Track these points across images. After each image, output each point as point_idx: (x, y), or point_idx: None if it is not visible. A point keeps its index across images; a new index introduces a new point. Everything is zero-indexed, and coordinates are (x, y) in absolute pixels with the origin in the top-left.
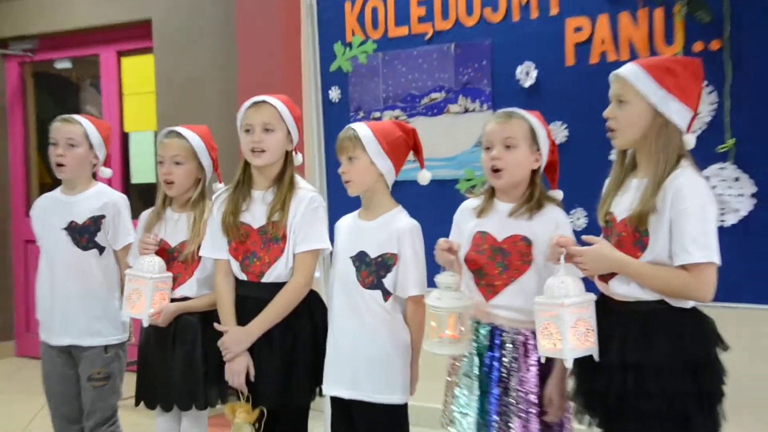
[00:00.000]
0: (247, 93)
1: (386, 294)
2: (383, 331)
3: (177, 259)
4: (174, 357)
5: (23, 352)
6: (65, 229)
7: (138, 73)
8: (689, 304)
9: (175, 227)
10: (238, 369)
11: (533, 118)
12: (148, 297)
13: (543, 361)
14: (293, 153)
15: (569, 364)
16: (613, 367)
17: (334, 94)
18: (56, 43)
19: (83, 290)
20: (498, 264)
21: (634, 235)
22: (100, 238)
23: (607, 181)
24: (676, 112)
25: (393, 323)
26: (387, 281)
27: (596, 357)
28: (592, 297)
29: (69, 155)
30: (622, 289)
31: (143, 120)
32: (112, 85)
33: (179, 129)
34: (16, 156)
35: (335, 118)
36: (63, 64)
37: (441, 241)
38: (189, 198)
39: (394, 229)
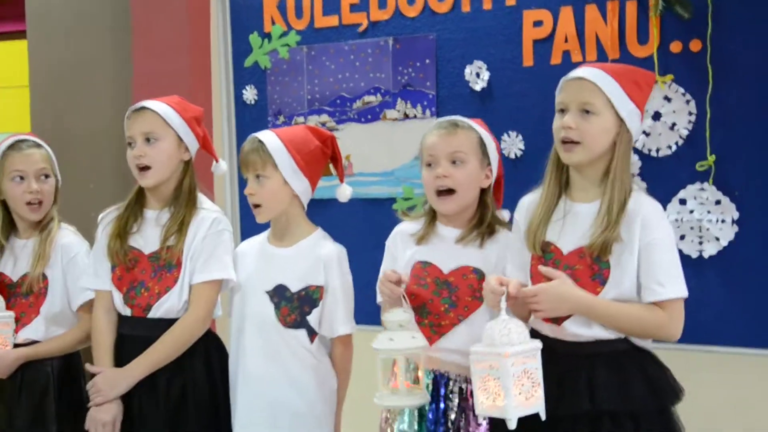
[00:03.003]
0: (144, 91)
1: (311, 334)
2: (310, 379)
3: (20, 295)
4: (19, 413)
5: None
6: None
7: (7, 63)
8: (649, 344)
9: (19, 257)
10: (104, 419)
11: (481, 128)
12: None
13: (482, 421)
14: (192, 163)
15: (512, 425)
16: (580, 419)
17: (250, 94)
18: None
19: None
20: (444, 300)
21: (593, 268)
22: None
23: (529, 201)
24: (636, 130)
25: (319, 368)
26: (312, 318)
27: (543, 415)
28: (539, 345)
29: None
30: (581, 330)
31: (14, 119)
32: None
33: (34, 138)
34: None
35: (250, 122)
36: None
37: (389, 271)
38: (42, 218)
39: (319, 257)
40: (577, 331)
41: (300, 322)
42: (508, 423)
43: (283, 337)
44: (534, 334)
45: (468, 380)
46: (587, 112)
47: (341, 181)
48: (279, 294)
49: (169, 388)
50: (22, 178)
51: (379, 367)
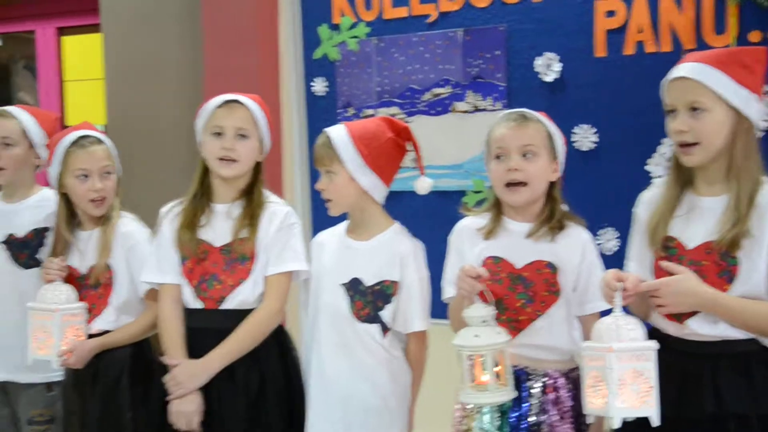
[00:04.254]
0: (215, 83)
1: (384, 329)
2: (383, 373)
3: (90, 287)
4: (94, 401)
5: None
6: (3, 243)
7: (82, 55)
8: None
9: (85, 249)
10: (188, 410)
11: (548, 121)
12: (57, 333)
13: (591, 421)
14: (263, 162)
15: (614, 424)
16: (703, 422)
17: (319, 86)
18: None
19: (21, 316)
20: (520, 295)
21: (720, 265)
22: (43, 255)
23: (649, 196)
24: (757, 114)
25: (392, 363)
26: (385, 314)
27: (656, 420)
28: (653, 345)
29: (5, 157)
30: (707, 329)
31: (89, 112)
32: (51, 69)
33: (96, 133)
34: None
35: (320, 115)
36: None
37: (467, 266)
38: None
39: (396, 252)
40: (701, 329)
41: (373, 317)
42: (611, 423)
43: (356, 331)
44: (657, 333)
45: (546, 374)
46: (696, 110)
47: (422, 172)
48: (354, 287)
49: (247, 380)
50: (86, 176)
51: (465, 364)
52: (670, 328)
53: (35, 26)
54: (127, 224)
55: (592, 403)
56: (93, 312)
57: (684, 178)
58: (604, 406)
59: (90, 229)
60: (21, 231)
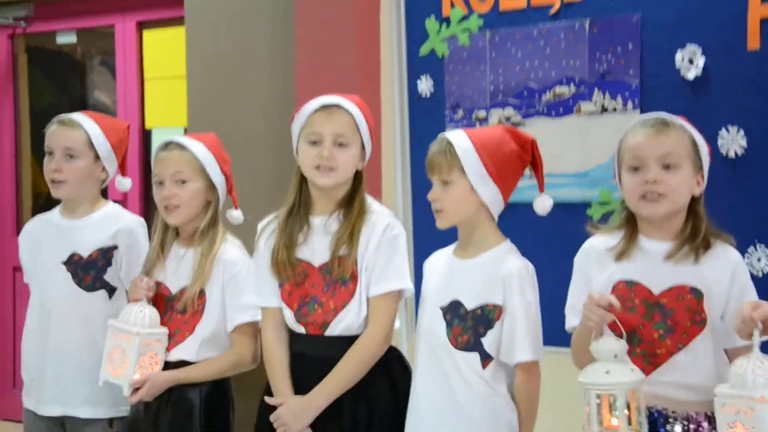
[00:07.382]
0: (307, 82)
1: (485, 358)
2: (478, 410)
3: (177, 311)
4: None
5: (8, 414)
6: (65, 263)
7: (164, 52)
8: None
9: (178, 267)
10: None
11: (691, 127)
12: (134, 358)
13: None
14: (364, 171)
15: None
16: None
17: (425, 85)
18: (57, 10)
19: (86, 344)
20: (658, 325)
21: None
22: (110, 276)
23: None
24: None
25: (493, 399)
26: (487, 341)
27: None
28: None
29: (67, 169)
30: None
31: (170, 113)
32: (130, 66)
33: (180, 139)
34: (2, 156)
35: (425, 117)
36: (66, 38)
37: (596, 295)
38: (196, 228)
39: (499, 273)
40: None
41: (473, 345)
42: None
43: (453, 360)
44: None
45: (688, 416)
46: None
47: (541, 190)
48: (453, 311)
49: (354, 414)
50: (161, 182)
51: (592, 403)
52: None
53: (114, 20)
54: (231, 251)
55: None
56: (175, 338)
57: None
58: None
59: (187, 246)
60: (85, 250)
